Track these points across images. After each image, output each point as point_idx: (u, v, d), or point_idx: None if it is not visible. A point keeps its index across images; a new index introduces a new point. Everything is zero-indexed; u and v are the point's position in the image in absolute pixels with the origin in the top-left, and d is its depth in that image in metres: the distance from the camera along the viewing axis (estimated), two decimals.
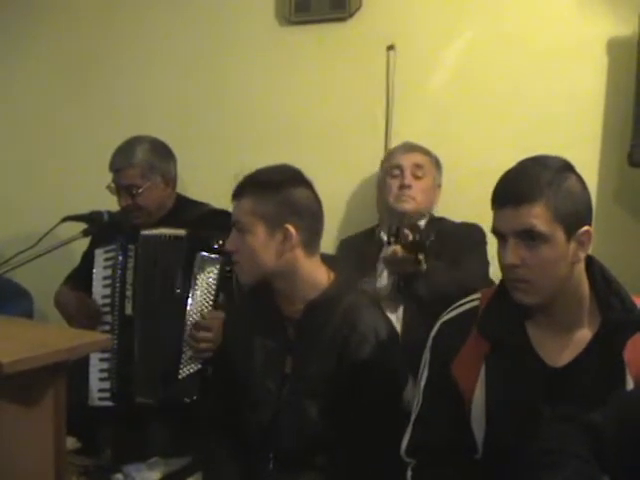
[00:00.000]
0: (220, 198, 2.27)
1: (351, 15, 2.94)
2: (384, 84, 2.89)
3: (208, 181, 3.00)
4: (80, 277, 2.74)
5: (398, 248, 2.21)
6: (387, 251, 2.28)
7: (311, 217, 1.89)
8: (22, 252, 2.32)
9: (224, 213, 2.63)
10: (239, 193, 1.89)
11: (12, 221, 3.53)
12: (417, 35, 2.85)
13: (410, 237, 2.17)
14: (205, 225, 2.48)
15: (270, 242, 1.85)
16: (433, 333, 1.74)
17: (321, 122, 3.02)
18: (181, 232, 2.43)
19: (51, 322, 3.32)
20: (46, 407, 1.33)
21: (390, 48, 2.88)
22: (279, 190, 1.86)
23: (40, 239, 2.40)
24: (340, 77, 2.99)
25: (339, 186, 2.92)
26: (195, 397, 2.32)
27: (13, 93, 3.64)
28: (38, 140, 3.59)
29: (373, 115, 2.91)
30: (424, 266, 2.18)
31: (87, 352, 1.40)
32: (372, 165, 2.84)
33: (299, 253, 1.87)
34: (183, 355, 2.34)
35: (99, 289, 2.60)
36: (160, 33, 3.30)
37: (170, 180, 2.67)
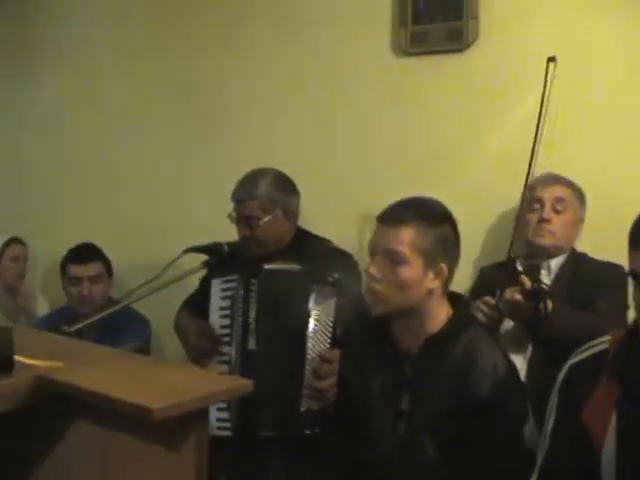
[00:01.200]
0: (341, 230, 2.32)
1: (468, 46, 2.91)
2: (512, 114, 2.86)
3: (329, 215, 3.02)
4: (197, 304, 2.79)
5: (517, 295, 2.18)
6: (506, 296, 2.25)
7: (457, 256, 1.88)
8: (145, 284, 2.37)
9: (344, 254, 2.66)
10: (398, 221, 1.83)
11: (135, 248, 3.64)
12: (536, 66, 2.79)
13: (528, 284, 2.15)
14: (324, 262, 2.48)
15: (423, 278, 1.82)
16: (561, 376, 1.67)
17: (438, 153, 3.00)
18: (302, 267, 2.44)
19: (167, 347, 3.43)
20: (189, 452, 1.35)
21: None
22: (440, 225, 1.84)
23: (162, 271, 2.44)
24: (459, 107, 2.96)
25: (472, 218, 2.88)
26: (316, 430, 2.32)
27: (148, 123, 3.78)
28: (163, 170, 3.71)
29: (503, 144, 2.87)
30: (546, 311, 2.13)
31: (229, 398, 1.40)
32: (509, 196, 2.77)
33: (437, 291, 1.85)
34: (304, 388, 2.34)
35: (216, 319, 2.63)
36: (268, 65, 3.36)
37: (291, 214, 2.68)
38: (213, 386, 1.37)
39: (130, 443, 1.41)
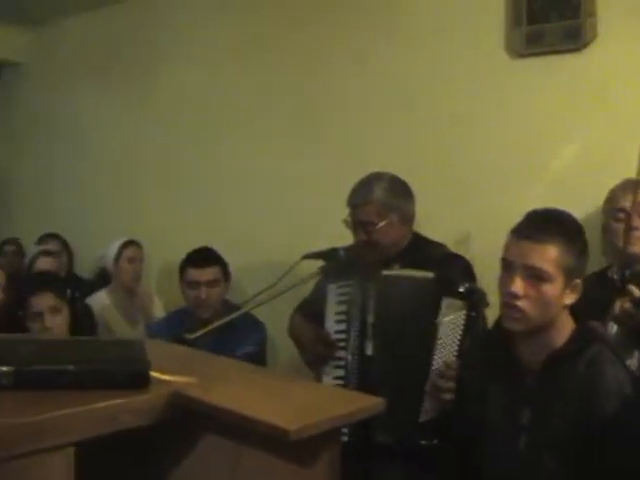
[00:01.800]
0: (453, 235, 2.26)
1: (586, 45, 2.80)
2: (631, 116, 2.72)
3: (444, 220, 2.97)
4: (311, 308, 2.78)
5: (627, 305, 2.13)
6: (615, 308, 2.19)
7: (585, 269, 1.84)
8: (264, 290, 2.39)
9: (461, 259, 2.60)
10: (541, 237, 1.78)
11: (250, 252, 3.69)
12: None
13: (637, 293, 2.11)
14: (440, 268, 2.43)
15: (562, 295, 1.79)
16: None
17: (553, 157, 2.90)
18: (427, 274, 2.39)
19: (281, 351, 3.45)
20: (320, 469, 1.34)
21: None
22: (579, 240, 1.82)
23: (280, 278, 2.45)
24: (576, 109, 2.86)
25: None
26: (435, 442, 2.28)
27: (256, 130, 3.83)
28: (280, 174, 3.74)
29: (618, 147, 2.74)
30: None
31: (362, 417, 1.38)
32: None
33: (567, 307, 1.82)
34: (425, 400, 2.30)
35: (331, 324, 2.62)
36: (384, 69, 3.33)
37: (407, 218, 2.65)
38: (347, 405, 1.35)
39: (261, 458, 1.41)
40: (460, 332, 2.30)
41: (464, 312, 2.29)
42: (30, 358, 1.40)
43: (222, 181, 3.97)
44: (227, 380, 1.51)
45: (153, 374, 1.40)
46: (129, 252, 3.89)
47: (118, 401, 1.32)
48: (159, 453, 1.57)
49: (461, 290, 2.29)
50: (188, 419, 1.43)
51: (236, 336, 3.01)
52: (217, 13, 4.05)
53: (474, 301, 2.21)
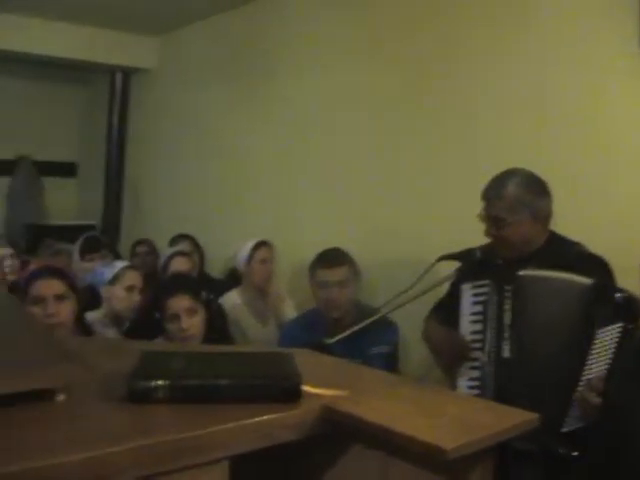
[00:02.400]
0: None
1: None
2: None
3: (578, 219, 2.85)
4: (446, 309, 2.74)
5: None
6: None
7: None
8: (402, 293, 2.38)
9: (600, 261, 2.48)
10: None
11: (379, 251, 3.68)
12: None
13: None
14: (576, 270, 2.34)
15: None
16: None
17: None
18: (578, 279, 2.30)
19: (412, 351, 3.42)
20: None
21: None
22: None
23: (415, 282, 2.43)
24: None
25: None
26: (577, 453, 2.19)
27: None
28: (409, 174, 3.71)
29: None
30: None
31: (518, 433, 1.33)
32: None
33: None
34: (570, 410, 2.22)
35: (467, 324, 2.56)
36: (517, 66, 3.24)
37: (541, 216, 2.55)
38: (503, 421, 1.31)
39: (410, 471, 1.39)
40: (615, 344, 2.19)
41: (620, 324, 2.18)
42: (183, 372, 1.43)
43: (351, 179, 3.96)
44: (376, 393, 1.49)
45: (304, 388, 1.40)
46: (261, 253, 3.94)
47: (272, 416, 1.33)
48: (307, 464, 1.57)
49: (618, 299, 2.18)
50: (337, 431, 1.42)
51: (370, 336, 2.99)
52: (335, 11, 4.04)
53: (632, 312, 2.10)
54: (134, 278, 3.55)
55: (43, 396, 1.33)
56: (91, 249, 4.33)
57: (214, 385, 1.38)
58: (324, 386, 1.45)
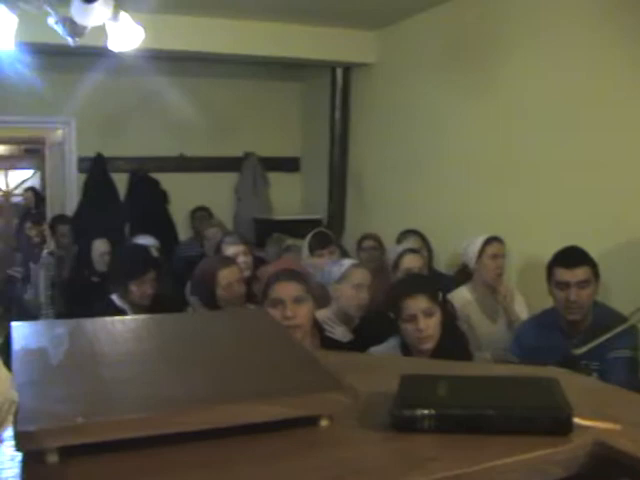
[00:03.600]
0: None
1: None
2: None
3: None
4: None
5: None
6: None
7: None
8: None
9: None
10: None
11: (621, 247, 3.50)
12: None
13: None
14: None
15: None
16: None
17: None
18: None
19: None
20: None
21: None
22: None
23: None
24: None
25: None
26: None
27: None
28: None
29: None
30: None
31: None
32: None
33: None
34: None
35: None
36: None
37: None
38: None
39: None
40: None
41: None
42: (448, 400, 1.40)
43: (576, 172, 3.79)
44: None
45: (575, 419, 1.34)
46: (492, 249, 3.87)
47: (545, 451, 1.27)
48: None
49: None
50: (603, 469, 1.34)
51: (608, 339, 2.84)
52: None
53: None
54: (362, 276, 3.58)
55: (308, 421, 1.35)
56: (320, 245, 4.43)
57: (481, 415, 1.34)
58: (594, 417, 1.38)
